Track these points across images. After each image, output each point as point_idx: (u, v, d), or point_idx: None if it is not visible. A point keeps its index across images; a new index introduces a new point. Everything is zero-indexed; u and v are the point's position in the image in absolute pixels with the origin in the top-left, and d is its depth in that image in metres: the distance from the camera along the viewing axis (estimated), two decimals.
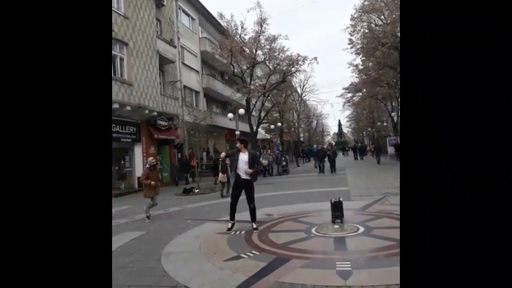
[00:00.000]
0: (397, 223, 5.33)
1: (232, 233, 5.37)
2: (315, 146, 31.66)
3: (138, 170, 14.53)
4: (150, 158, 7.87)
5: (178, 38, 18.68)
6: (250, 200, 5.48)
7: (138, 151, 14.69)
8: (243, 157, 5.51)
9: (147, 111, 14.32)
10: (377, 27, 16.64)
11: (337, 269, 3.45)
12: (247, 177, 5.42)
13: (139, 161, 14.68)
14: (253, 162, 5.51)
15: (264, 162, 18.05)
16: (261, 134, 29.82)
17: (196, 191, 11.92)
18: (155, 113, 14.96)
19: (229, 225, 5.49)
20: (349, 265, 3.53)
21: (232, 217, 5.52)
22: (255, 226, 5.39)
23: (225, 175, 10.10)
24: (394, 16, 14.43)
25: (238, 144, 5.78)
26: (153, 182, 7.13)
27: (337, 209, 5.52)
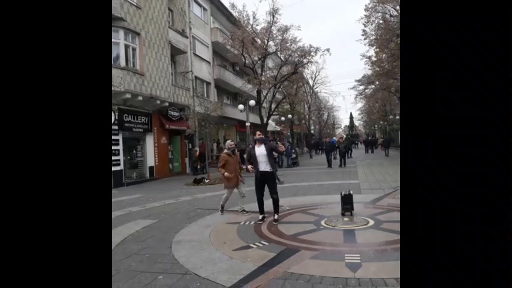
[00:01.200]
0: None
1: (242, 223, 5.42)
2: (334, 138, 31.89)
3: (150, 160, 14.74)
4: (229, 141, 6.58)
5: (190, 29, 18.64)
6: (273, 190, 5.43)
7: (149, 141, 14.86)
8: (261, 150, 5.44)
9: (158, 102, 14.42)
10: (392, 18, 16.26)
11: (346, 261, 3.46)
12: (268, 169, 5.37)
13: (150, 151, 14.86)
14: (271, 151, 5.49)
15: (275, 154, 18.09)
16: (272, 125, 29.75)
17: (207, 181, 12.03)
18: (166, 104, 15.06)
19: (260, 217, 5.49)
20: (358, 257, 3.53)
21: (262, 211, 5.52)
22: (276, 217, 5.34)
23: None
24: None
25: (257, 136, 5.66)
26: (226, 173, 6.10)
27: (347, 202, 5.50)
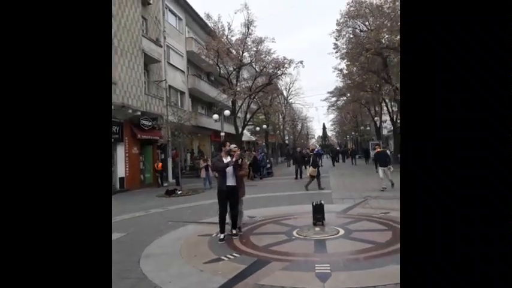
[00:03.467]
0: (377, 226, 5.46)
1: (214, 235, 5.34)
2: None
3: (120, 170, 14.27)
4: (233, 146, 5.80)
5: (165, 38, 18.48)
6: (234, 206, 5.16)
7: (120, 151, 14.42)
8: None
9: (130, 111, 14.08)
10: (361, 33, 16.95)
11: (316, 271, 3.49)
12: (234, 184, 5.10)
13: (121, 161, 14.41)
14: (237, 164, 5.20)
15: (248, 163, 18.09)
16: (247, 135, 29.81)
17: (179, 192, 11.80)
18: (139, 113, 14.73)
19: (221, 236, 4.97)
20: (328, 267, 3.57)
21: (223, 229, 5.06)
22: (234, 232, 5.12)
23: (316, 169, 10.82)
24: (377, 22, 14.76)
25: (228, 148, 5.27)
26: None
27: (318, 212, 5.58)
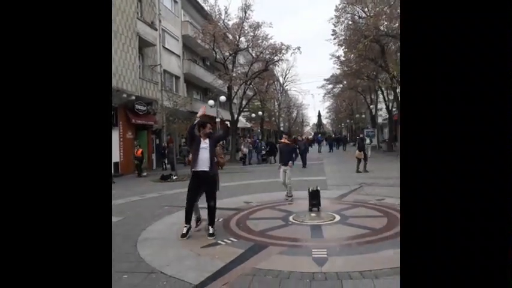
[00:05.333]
0: (372, 212, 5.52)
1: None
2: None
3: (115, 155, 14.18)
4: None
5: (160, 21, 18.09)
6: (211, 197, 4.45)
7: (114, 136, 14.28)
8: (203, 145, 4.43)
9: (124, 95, 13.89)
10: (360, 20, 16.75)
11: (313, 256, 3.53)
12: (207, 169, 4.37)
13: (115, 146, 14.30)
14: (216, 145, 4.57)
15: (245, 150, 18.10)
16: (242, 122, 29.73)
17: (174, 177, 11.79)
18: (133, 97, 14.55)
19: (185, 230, 4.37)
20: (325, 252, 3.61)
21: (188, 220, 4.43)
22: (211, 231, 4.36)
23: (361, 152, 11.35)
24: (377, 9, 14.57)
25: (208, 130, 4.56)
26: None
27: (314, 198, 5.62)
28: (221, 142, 4.74)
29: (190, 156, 4.86)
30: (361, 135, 14.44)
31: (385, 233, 4.28)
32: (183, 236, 4.33)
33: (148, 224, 5.30)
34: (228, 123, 5.29)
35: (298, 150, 15.31)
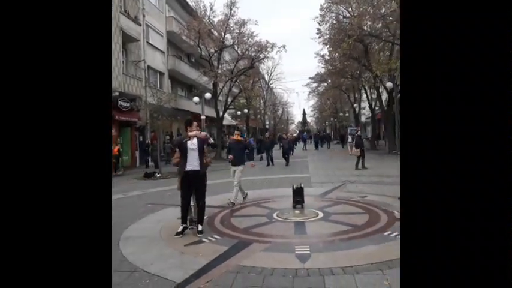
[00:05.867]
0: (354, 209, 5.63)
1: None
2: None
3: None
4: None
5: (144, 16, 17.77)
6: (202, 195, 4.55)
7: None
8: (191, 145, 4.43)
9: None
10: (344, 19, 16.96)
11: (296, 252, 3.57)
12: (197, 168, 4.42)
13: None
14: (203, 147, 4.56)
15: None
16: (227, 119, 29.64)
17: (158, 175, 11.67)
18: (116, 93, 14.26)
19: (180, 228, 4.41)
20: (308, 249, 3.67)
21: (184, 219, 4.51)
22: (200, 229, 4.39)
23: (358, 150, 11.45)
24: (361, 9, 14.78)
25: (195, 129, 4.51)
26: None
27: (298, 195, 5.68)
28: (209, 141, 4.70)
29: (176, 157, 4.82)
30: (358, 133, 14.62)
31: (367, 229, 4.38)
32: (178, 234, 4.33)
33: (132, 222, 5.23)
34: (211, 140, 5.22)
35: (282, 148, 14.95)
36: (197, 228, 4.45)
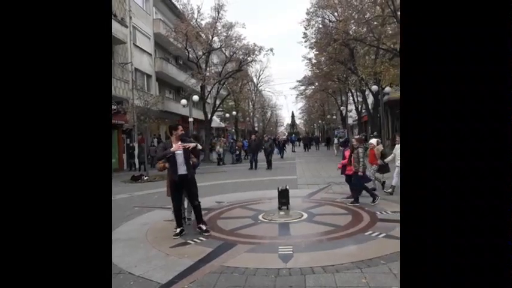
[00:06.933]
0: (338, 210, 5.76)
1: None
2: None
3: None
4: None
5: (130, 18, 17.66)
6: (194, 197, 4.59)
7: None
8: (178, 151, 4.42)
9: None
10: (330, 23, 17.24)
11: (279, 252, 3.66)
12: (185, 172, 4.46)
13: None
14: (188, 152, 4.53)
15: (219, 150, 18.08)
16: (216, 122, 29.61)
17: (146, 178, 11.61)
18: None
19: (178, 230, 4.50)
20: (291, 249, 3.76)
21: (180, 223, 4.58)
22: (204, 228, 4.52)
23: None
24: (346, 14, 15.06)
25: (180, 132, 4.51)
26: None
27: (283, 197, 5.77)
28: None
29: (161, 162, 4.87)
30: (345, 137, 14.62)
31: (349, 229, 4.51)
32: (176, 235, 4.43)
33: (117, 225, 5.23)
34: (199, 146, 5.11)
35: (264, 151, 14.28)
36: (200, 229, 4.52)
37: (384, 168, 7.10)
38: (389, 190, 6.90)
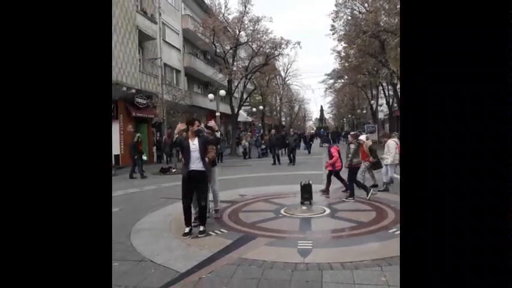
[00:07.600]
0: (362, 206, 5.63)
1: None
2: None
3: (115, 148, 14.33)
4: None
5: (160, 14, 18.10)
6: (203, 195, 4.38)
7: (115, 128, 14.42)
8: (192, 146, 4.28)
9: (124, 88, 13.98)
10: (360, 15, 16.71)
11: (299, 247, 3.64)
12: (202, 168, 4.29)
13: (116, 139, 14.44)
14: (205, 147, 4.40)
15: (245, 144, 18.21)
16: (243, 116, 29.79)
17: (174, 170, 11.94)
18: (133, 90, 14.64)
19: (187, 230, 4.25)
20: (310, 244, 3.73)
21: (189, 222, 4.33)
22: (201, 229, 4.24)
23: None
24: (377, 5, 14.52)
25: (196, 128, 4.34)
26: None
27: (306, 191, 5.73)
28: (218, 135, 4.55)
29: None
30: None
31: (372, 226, 4.40)
32: (185, 234, 4.19)
33: (144, 215, 5.44)
34: (218, 133, 4.83)
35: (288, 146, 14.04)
36: (199, 228, 4.28)
37: (376, 165, 7.25)
38: (383, 188, 7.03)
